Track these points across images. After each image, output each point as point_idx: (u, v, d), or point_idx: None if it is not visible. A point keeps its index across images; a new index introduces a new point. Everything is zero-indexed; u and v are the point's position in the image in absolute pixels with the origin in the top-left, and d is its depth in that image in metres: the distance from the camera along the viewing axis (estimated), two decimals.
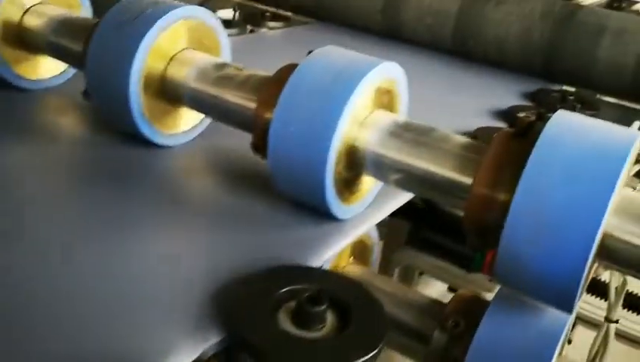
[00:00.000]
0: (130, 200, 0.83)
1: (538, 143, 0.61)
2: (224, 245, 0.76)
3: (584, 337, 1.42)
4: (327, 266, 0.77)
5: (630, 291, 1.14)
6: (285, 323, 0.62)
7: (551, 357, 0.64)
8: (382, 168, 0.76)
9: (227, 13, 1.87)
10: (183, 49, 0.92)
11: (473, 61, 1.72)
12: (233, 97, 0.86)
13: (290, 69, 0.78)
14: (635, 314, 1.11)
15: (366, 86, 0.75)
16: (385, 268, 1.11)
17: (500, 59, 1.69)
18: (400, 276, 1.10)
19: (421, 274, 1.20)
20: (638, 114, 1.64)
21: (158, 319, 0.63)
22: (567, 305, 0.62)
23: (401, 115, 0.84)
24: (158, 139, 0.93)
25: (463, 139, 0.73)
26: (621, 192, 0.60)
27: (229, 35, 1.02)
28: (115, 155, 0.93)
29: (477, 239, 0.68)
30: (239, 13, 1.88)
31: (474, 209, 0.66)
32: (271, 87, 0.79)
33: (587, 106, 1.45)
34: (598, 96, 1.66)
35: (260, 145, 0.80)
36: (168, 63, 0.90)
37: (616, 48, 1.54)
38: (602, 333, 1.19)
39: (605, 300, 1.19)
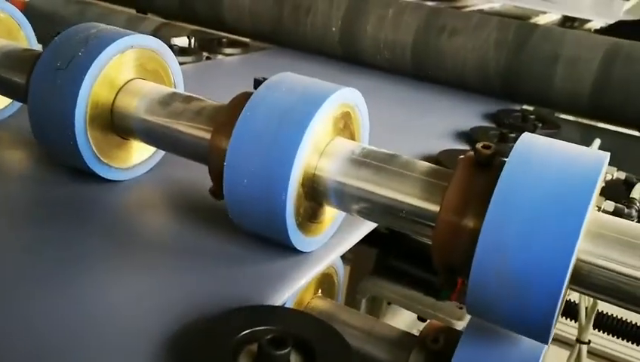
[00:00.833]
0: (79, 240, 0.78)
1: (504, 173, 0.58)
2: (179, 286, 0.72)
3: (557, 355, 1.41)
4: (291, 302, 0.73)
5: (600, 311, 1.13)
6: None
7: None
8: (344, 198, 0.73)
9: (182, 41, 1.83)
10: (132, 79, 0.88)
11: (434, 84, 1.72)
12: (186, 128, 0.82)
13: (246, 96, 0.75)
14: (606, 334, 1.10)
15: (325, 113, 0.72)
16: (351, 298, 1.07)
17: (460, 84, 1.70)
18: (367, 306, 1.06)
19: (389, 303, 1.17)
20: (598, 131, 1.66)
21: None
22: (543, 336, 0.60)
23: (363, 142, 0.81)
24: (109, 174, 0.88)
25: (427, 165, 0.71)
26: (590, 216, 0.58)
27: (184, 63, 0.99)
28: (64, 192, 0.88)
29: (446, 271, 0.65)
30: (195, 40, 1.84)
31: (442, 237, 0.63)
32: (225, 117, 0.76)
33: (548, 125, 1.45)
34: (556, 114, 1.68)
35: (217, 178, 0.76)
36: (116, 94, 0.86)
37: (570, 77, 1.56)
38: (574, 356, 1.17)
39: (575, 321, 1.17)
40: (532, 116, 1.46)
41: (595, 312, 1.09)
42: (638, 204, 1.18)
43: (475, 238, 0.58)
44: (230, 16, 2.02)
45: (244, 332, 0.60)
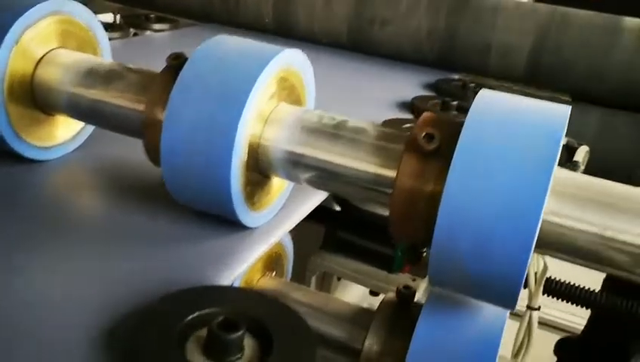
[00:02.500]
0: (2, 225, 0.70)
1: (464, 130, 0.55)
2: (116, 271, 0.65)
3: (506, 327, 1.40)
4: (239, 282, 0.68)
5: (549, 277, 1.12)
6: (195, 355, 0.52)
7: (494, 357, 0.58)
8: (293, 168, 0.68)
9: (107, 17, 1.73)
10: (54, 48, 0.80)
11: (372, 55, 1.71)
12: (117, 100, 0.75)
13: (181, 62, 0.69)
14: (556, 300, 1.09)
15: (269, 75, 0.66)
16: (300, 275, 1.03)
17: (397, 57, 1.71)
18: (317, 283, 1.02)
19: (339, 279, 1.13)
20: (535, 98, 1.66)
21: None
22: (509, 302, 0.57)
23: (309, 108, 0.77)
24: (32, 153, 0.80)
25: (380, 129, 0.66)
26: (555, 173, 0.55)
27: (111, 39, 0.91)
28: None
29: (405, 241, 0.62)
30: (120, 17, 1.74)
31: (400, 204, 0.59)
32: (160, 85, 0.69)
33: None
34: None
35: (153, 151, 0.70)
36: (37, 65, 0.78)
37: (506, 47, 1.58)
38: (525, 322, 1.17)
39: (525, 288, 1.16)
40: (472, 84, 1.45)
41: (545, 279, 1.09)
42: (581, 168, 1.19)
43: (437, 203, 0.54)
44: None
45: (191, 316, 0.54)
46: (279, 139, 0.68)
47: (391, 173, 0.61)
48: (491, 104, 0.57)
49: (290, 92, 0.72)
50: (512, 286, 0.54)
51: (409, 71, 1.62)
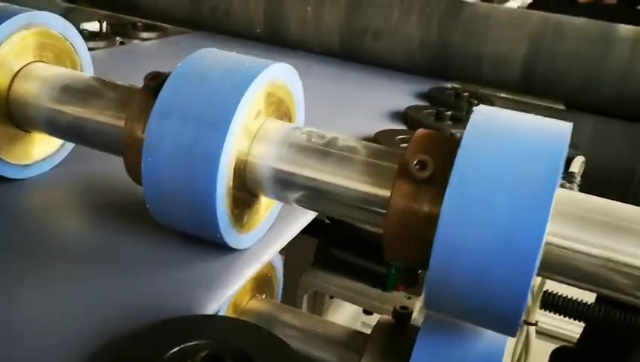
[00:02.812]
0: None
1: (462, 148, 0.52)
2: (95, 298, 0.62)
3: None
4: (225, 308, 0.65)
5: (546, 290, 1.10)
6: None
7: None
8: (282, 187, 0.65)
9: (93, 26, 1.69)
10: (31, 62, 0.76)
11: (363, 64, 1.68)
12: (96, 115, 0.71)
13: (162, 77, 0.65)
14: (554, 314, 1.07)
15: (255, 92, 0.63)
16: (291, 294, 0.99)
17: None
18: (309, 302, 0.99)
19: (331, 297, 1.10)
20: (529, 106, 1.64)
21: None
22: (510, 329, 0.54)
23: (298, 123, 0.74)
24: (7, 172, 0.77)
25: (374, 146, 0.63)
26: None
27: (95, 48, 0.87)
28: None
29: (399, 262, 0.59)
30: (107, 24, 1.71)
31: (394, 225, 0.56)
32: (140, 100, 0.66)
33: (482, 102, 1.41)
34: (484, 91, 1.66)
35: (134, 171, 0.67)
36: (13, 79, 0.75)
37: (499, 55, 1.57)
38: (523, 337, 1.14)
39: None
40: (465, 93, 1.43)
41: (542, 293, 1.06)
42: (577, 178, 1.16)
43: (433, 224, 0.51)
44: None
45: (174, 350, 0.51)
46: (267, 157, 0.64)
47: (384, 193, 0.58)
48: (488, 123, 0.54)
49: (278, 106, 0.69)
50: (512, 314, 0.51)
51: (401, 80, 1.59)
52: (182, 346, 0.51)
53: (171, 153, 0.61)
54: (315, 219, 0.81)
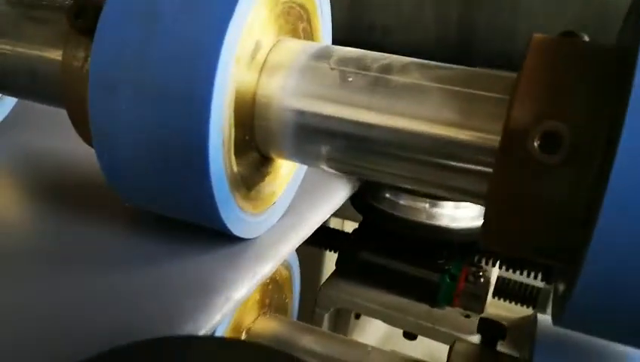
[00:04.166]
0: None
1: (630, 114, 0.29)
2: (56, 312, 0.40)
3: None
4: (225, 326, 0.42)
5: None
6: None
7: None
8: (309, 138, 0.42)
9: None
10: None
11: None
12: (24, 48, 0.48)
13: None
14: None
15: None
16: (306, 310, 0.75)
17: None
18: (330, 320, 0.75)
19: (358, 316, 0.86)
20: None
21: None
22: None
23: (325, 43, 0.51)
24: None
25: (461, 69, 0.41)
26: None
27: None
28: None
29: (505, 250, 0.36)
30: None
31: (509, 194, 0.34)
32: (86, 15, 0.43)
33: None
34: None
35: (82, 124, 0.44)
36: None
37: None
38: None
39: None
40: None
41: None
42: None
43: (589, 192, 0.28)
44: None
45: None
46: (285, 90, 0.41)
47: (486, 139, 0.36)
48: None
49: (292, 19, 0.46)
50: None
51: None
52: None
53: (133, 89, 0.39)
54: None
